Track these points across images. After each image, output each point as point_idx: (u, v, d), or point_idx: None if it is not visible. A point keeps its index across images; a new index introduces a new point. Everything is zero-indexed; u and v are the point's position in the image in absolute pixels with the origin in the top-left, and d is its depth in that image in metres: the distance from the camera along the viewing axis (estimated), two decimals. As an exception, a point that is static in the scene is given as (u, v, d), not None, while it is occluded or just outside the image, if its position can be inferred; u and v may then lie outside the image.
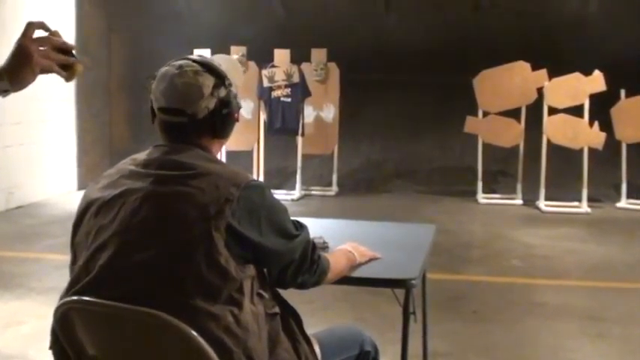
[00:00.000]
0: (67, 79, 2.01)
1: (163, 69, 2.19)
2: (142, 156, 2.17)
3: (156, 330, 1.91)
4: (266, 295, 2.12)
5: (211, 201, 1.99)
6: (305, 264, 2.23)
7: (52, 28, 1.98)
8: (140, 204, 2.02)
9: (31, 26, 1.96)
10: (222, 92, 2.18)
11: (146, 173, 2.08)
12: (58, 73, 1.98)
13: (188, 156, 2.11)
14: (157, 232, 1.99)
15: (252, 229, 2.04)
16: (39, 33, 1.96)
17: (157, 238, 1.98)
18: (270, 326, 2.12)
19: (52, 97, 9.75)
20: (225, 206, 1.99)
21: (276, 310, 2.17)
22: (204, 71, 2.16)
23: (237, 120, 2.27)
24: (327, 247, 2.81)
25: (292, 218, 2.23)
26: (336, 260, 2.48)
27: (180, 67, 2.16)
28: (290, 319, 2.24)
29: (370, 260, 2.74)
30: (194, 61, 2.19)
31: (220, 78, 2.18)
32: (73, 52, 2.01)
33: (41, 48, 1.93)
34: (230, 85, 2.21)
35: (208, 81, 2.15)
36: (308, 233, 2.25)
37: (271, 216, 2.10)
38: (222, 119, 2.19)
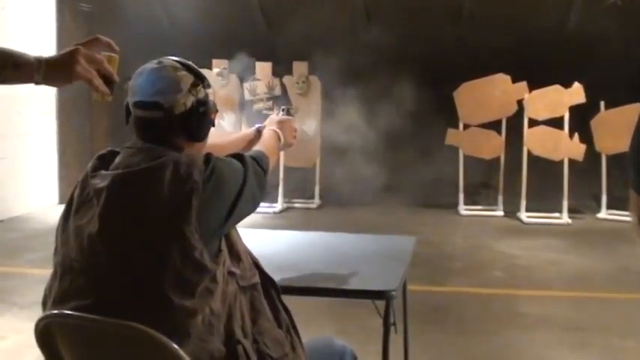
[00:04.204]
0: (95, 97, 2.05)
1: (142, 66, 2.21)
2: (111, 157, 2.16)
3: (136, 343, 1.91)
4: (237, 271, 2.12)
5: (177, 195, 1.99)
6: (261, 180, 2.27)
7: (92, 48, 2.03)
8: (109, 208, 2.01)
9: (96, 40, 2.04)
10: (201, 92, 2.19)
11: (112, 174, 2.06)
12: (92, 88, 2.00)
13: (154, 153, 2.09)
14: (129, 237, 1.98)
15: (220, 205, 2.07)
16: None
17: (131, 244, 1.98)
18: (252, 295, 2.15)
19: (33, 111, 9.72)
20: (191, 197, 2.00)
21: (257, 279, 2.19)
22: (184, 69, 2.19)
23: (214, 124, 2.27)
24: (292, 114, 2.91)
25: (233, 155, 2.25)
26: (269, 147, 2.58)
27: (160, 62, 2.19)
28: (269, 288, 2.26)
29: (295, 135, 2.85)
30: (174, 60, 2.22)
31: (200, 78, 2.21)
32: (114, 82, 2.04)
33: (88, 64, 1.96)
34: (209, 86, 2.23)
35: (187, 78, 2.17)
36: (248, 159, 2.26)
37: (229, 182, 2.12)
38: (199, 118, 2.18)
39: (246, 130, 2.97)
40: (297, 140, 2.88)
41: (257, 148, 2.51)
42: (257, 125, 2.90)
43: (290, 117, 2.86)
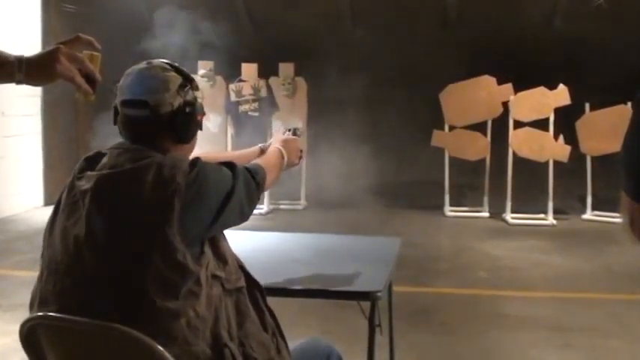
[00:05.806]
0: (78, 97, 2.00)
1: (131, 67, 2.21)
2: (98, 158, 2.15)
3: (121, 345, 1.91)
4: (222, 274, 2.11)
5: (159, 197, 1.99)
6: (251, 192, 2.26)
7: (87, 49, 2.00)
8: (93, 209, 2.01)
9: (77, 39, 2.00)
10: (189, 94, 2.20)
11: (97, 175, 2.06)
12: (75, 86, 1.95)
13: (139, 154, 2.09)
14: (112, 239, 1.98)
15: (204, 209, 2.06)
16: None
17: (114, 246, 1.97)
18: (237, 299, 2.15)
19: (18, 112, 9.68)
20: (173, 199, 1.99)
21: (242, 283, 2.19)
22: (172, 70, 2.20)
23: (201, 127, 2.28)
24: (299, 135, 2.89)
25: (223, 163, 2.23)
26: (269, 162, 2.54)
27: (149, 62, 2.21)
28: (255, 291, 2.26)
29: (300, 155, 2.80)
30: (163, 61, 2.24)
31: (188, 80, 2.22)
32: (96, 80, 1.98)
33: (70, 62, 1.92)
34: (197, 88, 2.24)
35: (176, 79, 2.19)
36: (240, 169, 2.25)
37: (214, 188, 2.11)
38: (185, 118, 2.19)
39: (250, 148, 2.91)
40: (301, 160, 2.83)
41: (256, 161, 2.48)
42: (260, 145, 2.88)
43: (296, 137, 2.85)
